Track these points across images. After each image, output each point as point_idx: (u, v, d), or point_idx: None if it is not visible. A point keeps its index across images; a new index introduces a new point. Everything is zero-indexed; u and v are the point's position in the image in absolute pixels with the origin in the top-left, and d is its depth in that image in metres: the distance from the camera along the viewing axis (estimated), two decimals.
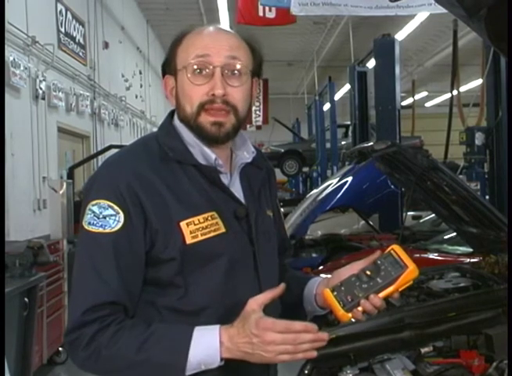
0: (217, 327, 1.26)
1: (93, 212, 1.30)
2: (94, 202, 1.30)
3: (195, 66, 1.35)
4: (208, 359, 1.24)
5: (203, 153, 1.39)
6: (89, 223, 1.30)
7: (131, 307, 1.31)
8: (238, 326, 1.25)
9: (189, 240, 1.31)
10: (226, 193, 1.39)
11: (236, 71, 1.37)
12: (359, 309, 1.32)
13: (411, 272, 1.33)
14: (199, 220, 1.33)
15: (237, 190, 1.43)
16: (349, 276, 1.35)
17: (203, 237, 1.32)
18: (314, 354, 1.26)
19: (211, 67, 1.35)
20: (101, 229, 1.29)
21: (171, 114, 1.46)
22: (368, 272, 1.34)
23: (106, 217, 1.29)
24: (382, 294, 1.33)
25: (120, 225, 1.28)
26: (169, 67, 1.42)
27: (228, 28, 1.43)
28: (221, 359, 1.25)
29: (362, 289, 1.32)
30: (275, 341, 1.22)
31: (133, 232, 1.29)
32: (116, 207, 1.29)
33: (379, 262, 1.35)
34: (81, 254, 1.32)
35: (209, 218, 1.34)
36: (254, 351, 1.23)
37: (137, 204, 1.29)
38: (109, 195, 1.30)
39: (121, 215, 1.29)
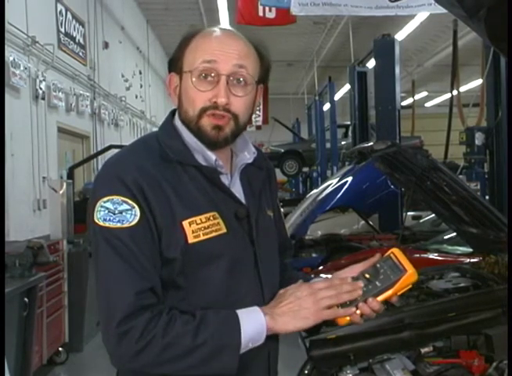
0: (255, 306, 1.32)
1: (107, 208, 1.29)
2: (106, 199, 1.29)
3: (201, 72, 1.35)
4: (256, 335, 1.29)
5: (204, 154, 1.39)
6: (105, 219, 1.28)
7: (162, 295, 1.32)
8: (276, 299, 1.35)
9: (191, 240, 1.31)
10: (227, 194, 1.39)
11: (241, 80, 1.36)
12: (357, 312, 1.32)
13: (410, 276, 1.32)
14: (201, 220, 1.32)
15: (238, 191, 1.43)
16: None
17: (205, 237, 1.32)
18: (353, 310, 1.32)
19: (217, 74, 1.34)
20: (119, 225, 1.27)
21: (172, 114, 1.46)
22: (367, 276, 1.34)
23: (122, 212, 1.28)
24: (380, 298, 1.33)
25: (137, 219, 1.28)
26: (175, 66, 1.41)
27: (238, 33, 1.42)
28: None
29: None
30: (320, 293, 1.30)
31: (148, 224, 1.29)
32: (130, 202, 1.28)
33: (378, 265, 1.34)
34: (105, 251, 1.29)
35: (211, 218, 1.34)
36: (301, 306, 1.30)
37: (144, 199, 1.29)
38: (120, 190, 1.29)
39: (137, 208, 1.28)
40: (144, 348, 1.23)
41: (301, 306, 1.30)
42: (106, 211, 1.29)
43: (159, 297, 1.29)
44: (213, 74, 1.34)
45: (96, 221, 1.29)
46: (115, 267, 1.27)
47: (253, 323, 1.28)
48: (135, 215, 1.28)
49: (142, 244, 1.28)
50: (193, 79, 1.35)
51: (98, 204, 1.30)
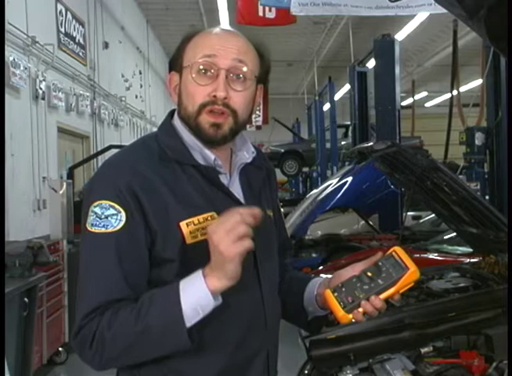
0: (199, 271, 1.25)
1: (95, 213, 1.30)
2: (96, 203, 1.30)
3: (200, 66, 1.35)
4: (201, 299, 1.23)
5: (203, 154, 1.39)
6: (92, 225, 1.30)
7: None
8: None
9: (188, 240, 1.31)
10: (225, 194, 1.39)
11: (240, 75, 1.36)
12: (360, 310, 1.32)
13: (412, 273, 1.32)
14: (198, 220, 1.32)
15: (237, 190, 1.43)
16: (350, 277, 1.35)
17: (203, 237, 1.31)
18: (250, 244, 1.21)
19: (216, 69, 1.34)
20: (103, 229, 1.28)
21: (171, 114, 1.46)
22: (369, 274, 1.33)
23: (107, 217, 1.29)
24: (383, 296, 1.32)
25: (122, 224, 1.28)
26: (175, 64, 1.42)
27: (238, 31, 1.42)
28: (213, 296, 1.23)
29: (362, 290, 1.32)
30: (216, 231, 1.20)
31: (135, 230, 1.29)
32: (117, 207, 1.29)
33: (380, 263, 1.34)
34: (85, 256, 1.32)
35: (209, 218, 1.33)
36: (217, 253, 1.20)
37: (137, 203, 1.29)
38: (109, 195, 1.30)
39: (123, 213, 1.29)
40: (97, 350, 1.24)
41: (216, 253, 1.20)
42: (95, 216, 1.30)
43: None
44: (212, 69, 1.34)
45: (86, 225, 1.31)
46: (88, 275, 1.30)
47: (193, 292, 1.23)
48: (120, 221, 1.28)
49: (123, 250, 1.28)
50: (193, 74, 1.35)
51: (90, 209, 1.31)
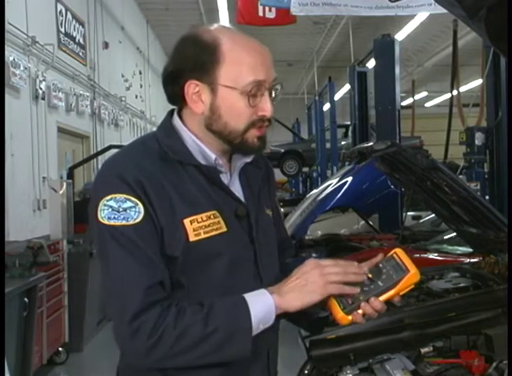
0: (262, 289, 1.32)
1: (110, 207, 1.29)
2: (108, 197, 1.30)
3: (253, 91, 1.36)
4: (266, 316, 1.29)
5: (203, 153, 1.39)
6: (109, 218, 1.29)
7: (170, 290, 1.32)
8: (285, 279, 1.34)
9: (192, 238, 1.31)
10: (226, 193, 1.40)
11: (273, 92, 1.41)
12: (359, 311, 1.32)
13: (413, 276, 1.32)
14: (202, 218, 1.33)
15: (237, 190, 1.44)
16: None
17: (206, 236, 1.32)
18: (357, 290, 1.32)
19: (263, 90, 1.37)
20: (124, 222, 1.28)
21: (171, 114, 1.46)
22: (369, 275, 1.33)
23: (126, 209, 1.29)
24: (383, 298, 1.32)
25: (141, 215, 1.29)
26: (197, 73, 1.36)
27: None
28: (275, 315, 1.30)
29: (362, 292, 1.32)
30: (326, 268, 1.31)
31: (152, 220, 1.30)
32: (133, 199, 1.29)
33: (381, 265, 1.34)
34: (111, 249, 1.29)
35: (211, 216, 1.34)
36: (308, 280, 1.30)
37: (146, 197, 1.30)
38: (122, 188, 1.30)
39: (140, 205, 1.29)
40: (157, 343, 1.24)
41: (308, 280, 1.30)
42: (110, 210, 1.29)
43: (167, 290, 1.30)
44: (260, 91, 1.37)
45: (101, 220, 1.30)
46: (124, 265, 1.28)
47: (261, 305, 1.29)
48: (139, 212, 1.29)
49: (148, 240, 1.29)
50: (248, 98, 1.35)
51: (101, 203, 1.30)
